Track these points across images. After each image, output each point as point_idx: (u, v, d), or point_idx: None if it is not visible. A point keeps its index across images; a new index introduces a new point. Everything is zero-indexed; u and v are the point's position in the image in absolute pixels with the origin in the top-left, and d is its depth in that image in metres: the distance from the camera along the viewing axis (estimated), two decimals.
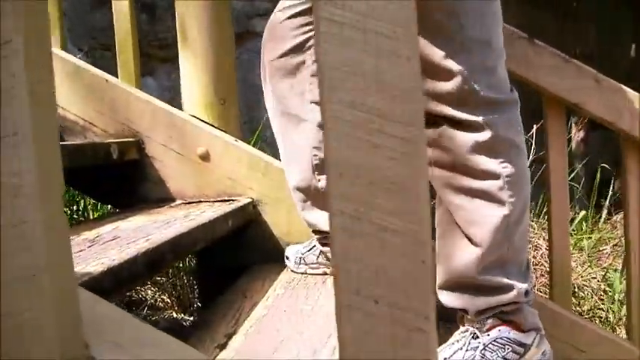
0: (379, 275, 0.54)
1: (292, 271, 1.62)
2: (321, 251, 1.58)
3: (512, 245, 1.29)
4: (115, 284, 1.00)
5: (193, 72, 1.88)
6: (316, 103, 1.48)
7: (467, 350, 1.31)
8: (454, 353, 1.31)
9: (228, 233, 1.58)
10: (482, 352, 1.31)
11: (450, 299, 1.32)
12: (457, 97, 1.23)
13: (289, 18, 1.47)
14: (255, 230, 1.74)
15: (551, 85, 1.65)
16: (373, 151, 0.52)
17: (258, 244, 1.74)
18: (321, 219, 1.54)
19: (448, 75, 1.21)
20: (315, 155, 1.49)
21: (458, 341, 1.33)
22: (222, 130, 1.81)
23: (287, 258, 1.64)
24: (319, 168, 1.49)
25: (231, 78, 1.93)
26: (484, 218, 1.28)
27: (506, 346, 1.31)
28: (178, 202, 1.76)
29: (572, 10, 4.54)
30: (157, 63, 3.94)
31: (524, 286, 1.30)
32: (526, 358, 1.33)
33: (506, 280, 1.29)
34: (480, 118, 1.24)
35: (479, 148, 1.25)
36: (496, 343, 1.31)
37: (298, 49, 1.48)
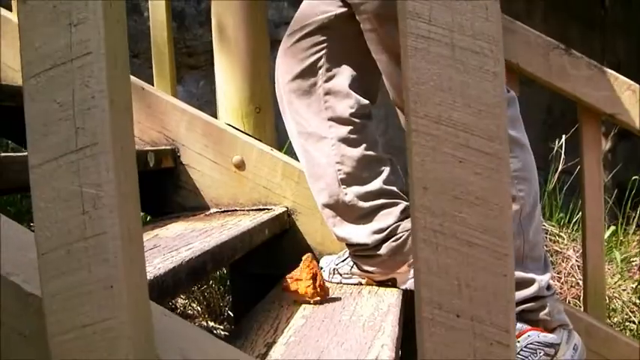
0: (461, 289, 0.54)
1: (326, 281, 1.62)
2: (354, 262, 1.58)
3: (527, 241, 1.31)
4: (161, 292, 1.00)
5: (230, 76, 1.88)
6: (333, 119, 1.49)
7: None
8: None
9: (264, 242, 1.58)
10: None
11: None
12: None
13: (299, 40, 1.49)
14: (290, 239, 1.73)
15: (587, 95, 1.65)
16: (459, 165, 0.52)
17: (292, 253, 1.73)
18: (352, 233, 1.53)
19: None
20: (339, 170, 1.49)
21: None
22: (256, 139, 1.81)
23: (321, 269, 1.64)
24: (345, 182, 1.49)
25: (266, 85, 1.93)
26: None
27: (538, 351, 1.31)
28: (213, 210, 1.76)
29: (598, 19, 4.53)
30: (186, 71, 3.96)
31: (544, 277, 1.31)
32: (558, 357, 1.32)
33: (525, 275, 1.30)
34: None
35: None
36: (527, 349, 1.31)
37: (310, 70, 1.49)
